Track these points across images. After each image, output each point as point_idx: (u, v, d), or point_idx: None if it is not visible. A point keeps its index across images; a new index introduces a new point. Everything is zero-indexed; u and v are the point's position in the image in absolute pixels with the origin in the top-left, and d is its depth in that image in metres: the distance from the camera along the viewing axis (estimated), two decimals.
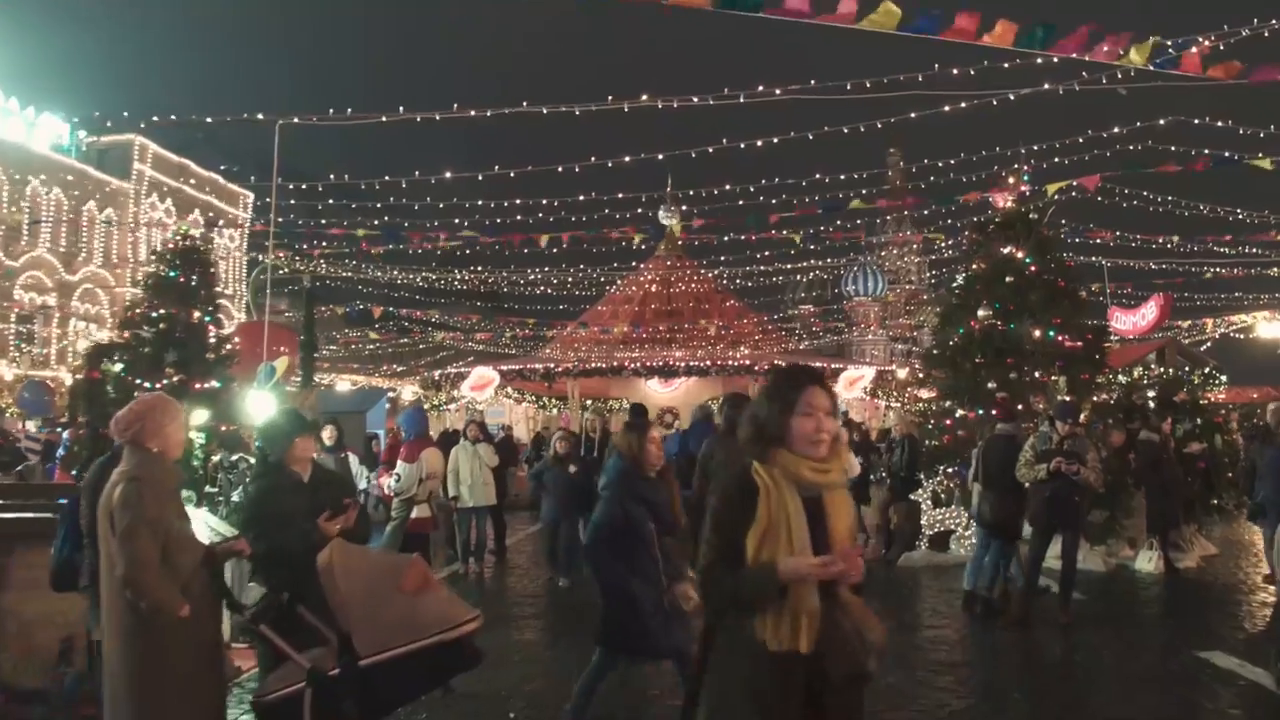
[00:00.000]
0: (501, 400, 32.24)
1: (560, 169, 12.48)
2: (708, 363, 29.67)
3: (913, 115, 10.79)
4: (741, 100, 9.63)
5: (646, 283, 35.34)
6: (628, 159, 11.97)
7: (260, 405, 10.20)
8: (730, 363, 29.79)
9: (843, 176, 14.30)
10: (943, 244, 20.30)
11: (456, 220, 17.21)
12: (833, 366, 31.65)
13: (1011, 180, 14.42)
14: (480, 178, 13.04)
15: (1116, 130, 12.70)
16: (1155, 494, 11.82)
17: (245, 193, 48.87)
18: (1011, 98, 9.69)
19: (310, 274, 21.97)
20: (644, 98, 9.64)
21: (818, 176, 14.31)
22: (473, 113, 10.73)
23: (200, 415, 11.77)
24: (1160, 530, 11.87)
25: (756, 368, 29.11)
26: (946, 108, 10.43)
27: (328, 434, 10.06)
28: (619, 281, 35.65)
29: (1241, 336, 30.01)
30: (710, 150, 11.58)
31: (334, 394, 27.17)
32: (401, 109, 10.94)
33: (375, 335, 35.45)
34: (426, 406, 33.60)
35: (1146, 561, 11.92)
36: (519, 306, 36.00)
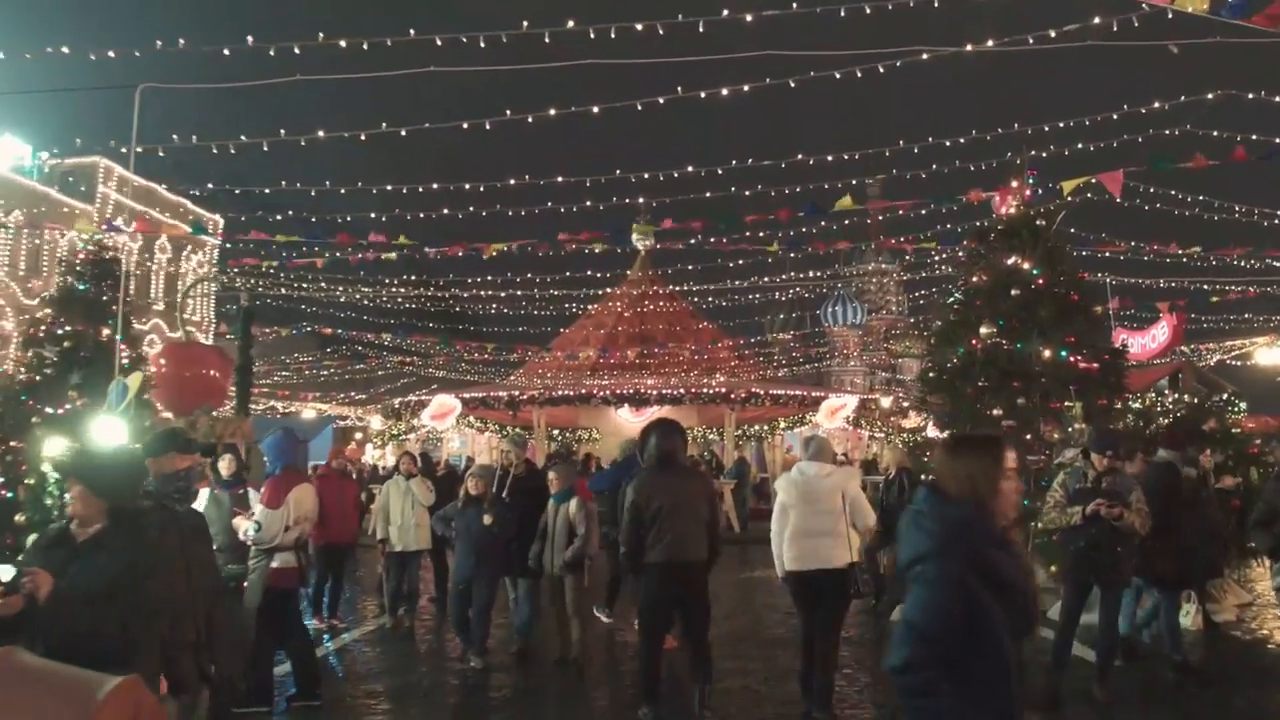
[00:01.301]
0: (464, 430, 30.48)
1: (466, 124, 10.38)
2: (681, 390, 28.01)
3: (924, 56, 8.99)
4: (701, 30, 7.86)
5: (615, 297, 33.70)
6: (553, 112, 10.03)
7: (107, 433, 8.34)
8: (705, 390, 28.14)
9: (829, 158, 12.38)
10: (936, 252, 18.39)
11: (373, 214, 15.10)
12: (813, 395, 30.05)
13: (1015, 184, 12.88)
14: (363, 136, 11.04)
15: (1157, 105, 11.01)
16: (1194, 538, 10.14)
17: (215, 217, 47.40)
18: (1052, 34, 8.01)
19: (248, 291, 20.17)
20: (570, 24, 7.76)
21: (799, 157, 12.46)
22: (343, 43, 8.78)
23: (55, 444, 9.91)
24: (1199, 580, 10.21)
25: (732, 395, 27.50)
26: (969, 46, 8.64)
27: (225, 465, 8.30)
28: (590, 307, 33.96)
29: (1239, 364, 28.58)
30: (661, 101, 9.60)
31: (274, 421, 25.30)
32: (246, 38, 9.02)
33: (331, 361, 33.31)
34: (389, 435, 31.76)
35: (1183, 616, 10.26)
36: (473, 328, 33.84)
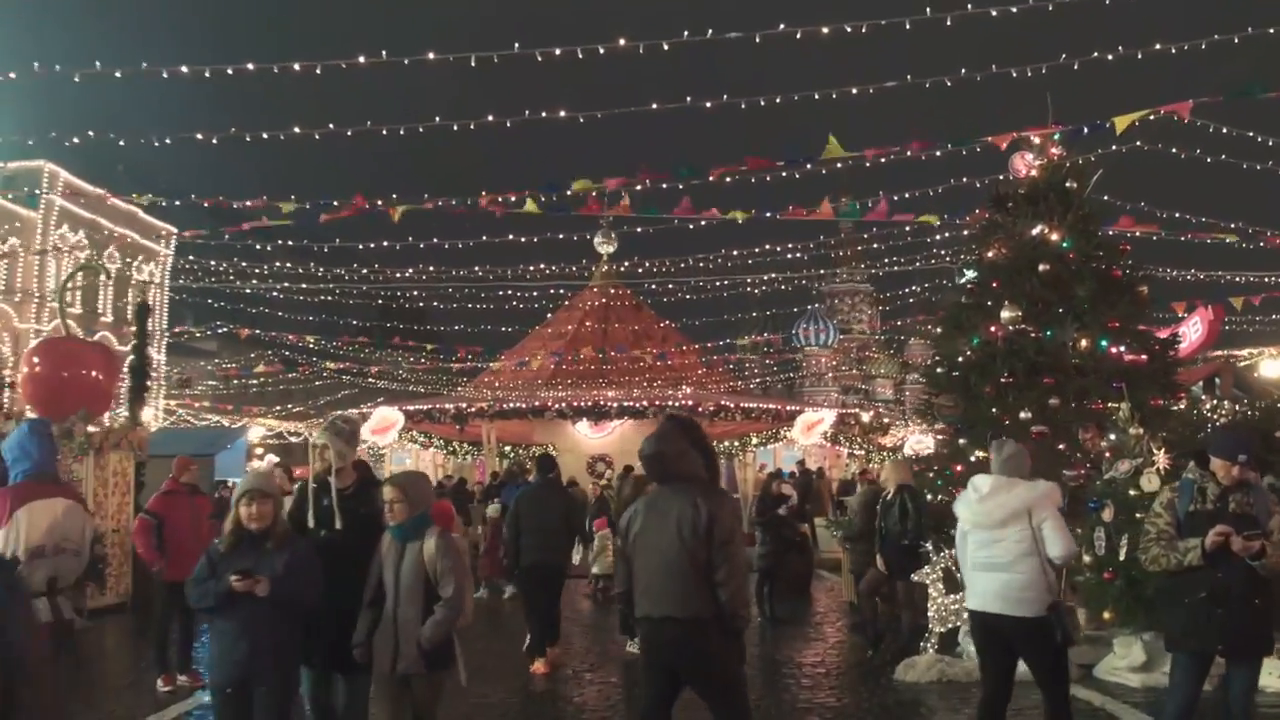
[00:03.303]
0: (406, 445, 28.01)
1: (345, 61, 7.46)
2: (644, 403, 25.64)
3: None
4: None
5: (580, 297, 31.39)
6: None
7: None
8: (670, 403, 25.77)
9: (825, 29, 9.52)
10: (941, 227, 15.88)
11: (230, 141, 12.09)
12: (788, 409, 27.79)
13: (1038, 140, 10.68)
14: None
15: None
16: None
17: (167, 226, 44.94)
18: None
19: (140, 285, 17.61)
20: None
21: (782, 27, 9.53)
22: None
23: None
24: None
25: (700, 408, 25.13)
26: None
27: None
28: (548, 314, 31.66)
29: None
30: None
31: (181, 433, 22.73)
32: None
33: (262, 370, 30.44)
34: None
35: (1275, 675, 8.00)
36: (403, 325, 30.74)
